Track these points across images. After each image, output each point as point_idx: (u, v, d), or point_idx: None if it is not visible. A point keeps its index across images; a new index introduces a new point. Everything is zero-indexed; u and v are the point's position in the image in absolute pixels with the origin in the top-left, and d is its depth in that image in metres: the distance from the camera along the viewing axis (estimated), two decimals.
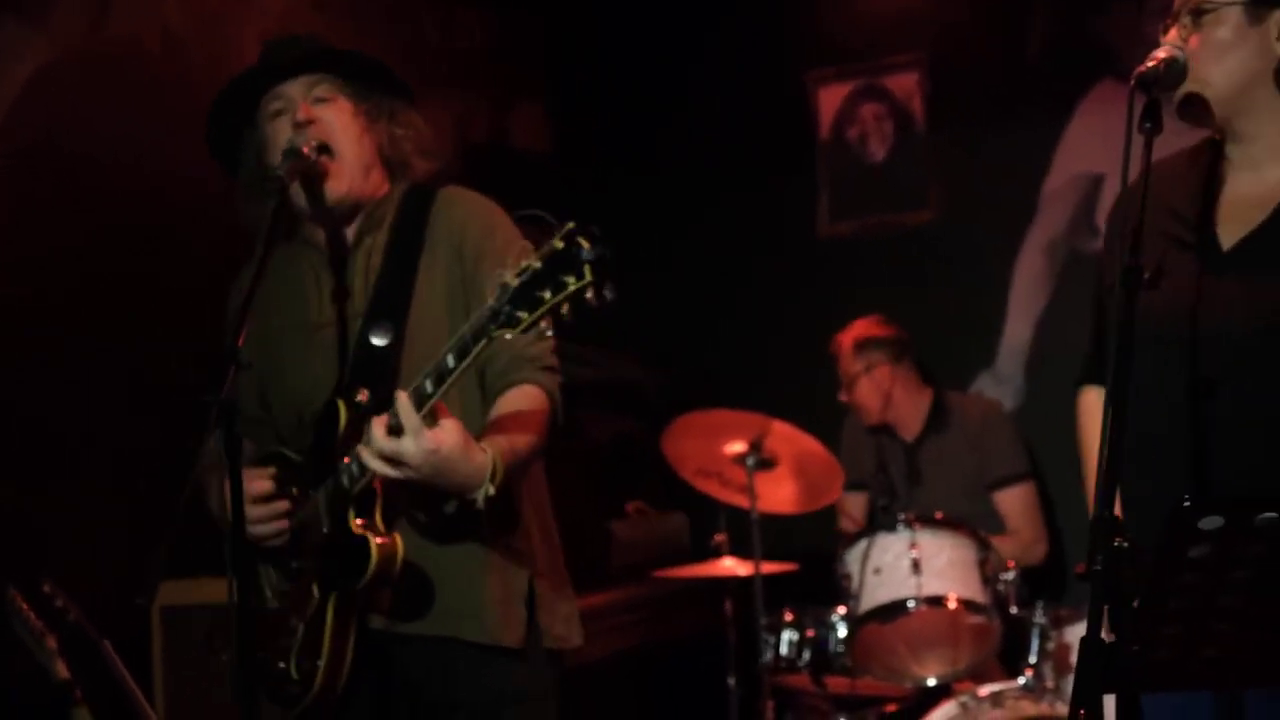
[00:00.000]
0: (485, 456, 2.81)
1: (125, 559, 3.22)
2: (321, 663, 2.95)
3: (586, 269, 2.53)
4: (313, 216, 3.11)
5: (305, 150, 2.99)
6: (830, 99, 6.58)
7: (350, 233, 3.15)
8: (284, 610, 3.06)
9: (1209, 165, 2.69)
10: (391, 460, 2.75)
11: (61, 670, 3.86)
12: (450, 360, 2.71)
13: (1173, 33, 2.61)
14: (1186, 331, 2.57)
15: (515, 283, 2.57)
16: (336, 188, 3.06)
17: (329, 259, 3.15)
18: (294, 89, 3.07)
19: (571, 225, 2.55)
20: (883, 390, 5.59)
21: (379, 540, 2.88)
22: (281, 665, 3.01)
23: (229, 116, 3.16)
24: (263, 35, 5.30)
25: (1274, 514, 1.98)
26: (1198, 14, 2.58)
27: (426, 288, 3.05)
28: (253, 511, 2.99)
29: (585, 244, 2.53)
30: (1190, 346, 2.56)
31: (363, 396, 2.87)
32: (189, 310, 4.14)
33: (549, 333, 2.96)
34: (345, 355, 3.06)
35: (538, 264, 2.55)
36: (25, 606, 3.88)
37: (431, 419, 2.75)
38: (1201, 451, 2.54)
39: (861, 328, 5.65)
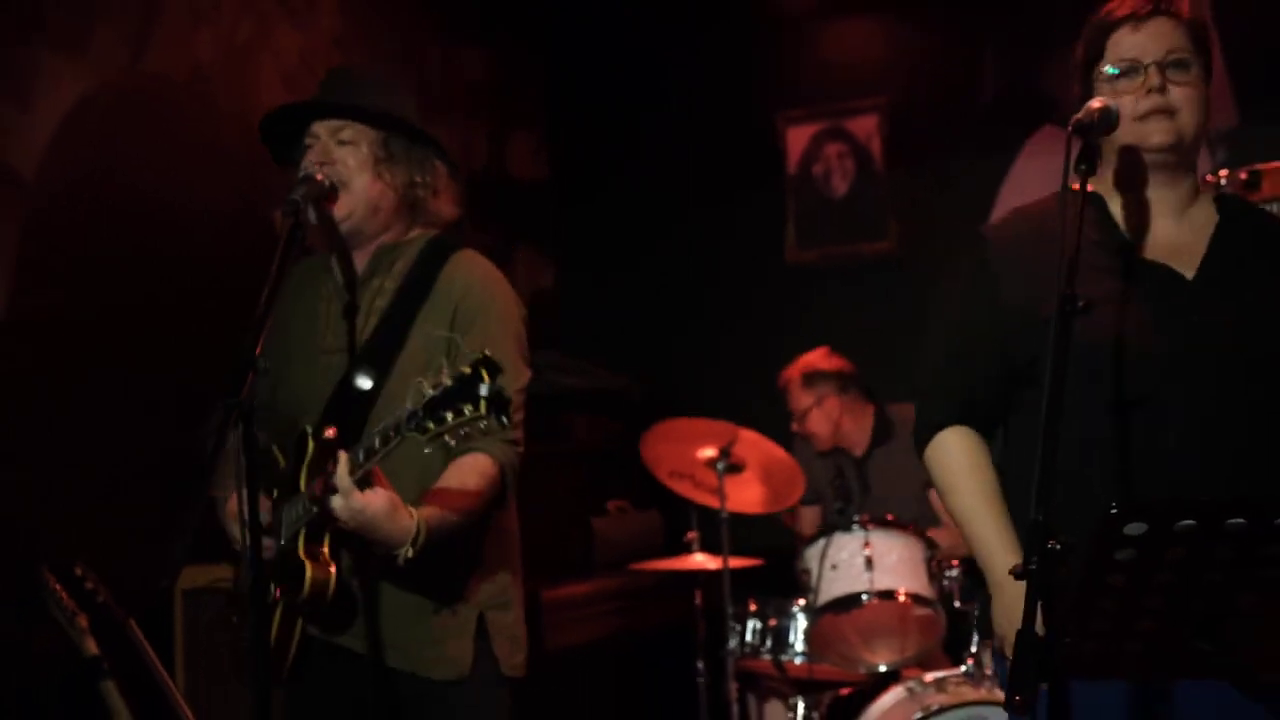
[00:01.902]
0: (411, 523, 2.84)
1: (150, 546, 3.20)
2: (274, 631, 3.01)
3: (482, 404, 2.60)
4: (324, 240, 3.09)
5: (319, 177, 2.99)
6: (798, 138, 6.59)
7: (361, 267, 3.13)
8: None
9: (1095, 209, 2.68)
10: (331, 507, 2.80)
11: (91, 647, 3.84)
12: (376, 441, 2.76)
13: (1151, 76, 2.57)
14: (1162, 354, 2.55)
15: (429, 395, 2.63)
16: (340, 212, 3.05)
17: (341, 289, 3.13)
18: (323, 128, 3.08)
19: (483, 355, 2.62)
20: (832, 419, 5.57)
21: (315, 567, 2.90)
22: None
23: (282, 128, 3.16)
24: (284, 71, 5.31)
25: (1192, 521, 1.98)
26: (1183, 65, 2.58)
27: (418, 340, 3.03)
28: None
29: (486, 379, 2.59)
30: (1166, 369, 2.54)
31: (330, 433, 2.84)
32: (211, 322, 4.13)
33: (518, 396, 3.00)
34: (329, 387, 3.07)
35: (449, 383, 2.62)
36: (59, 588, 3.87)
37: (366, 483, 2.79)
38: (1157, 475, 2.52)
39: (809, 361, 5.60)
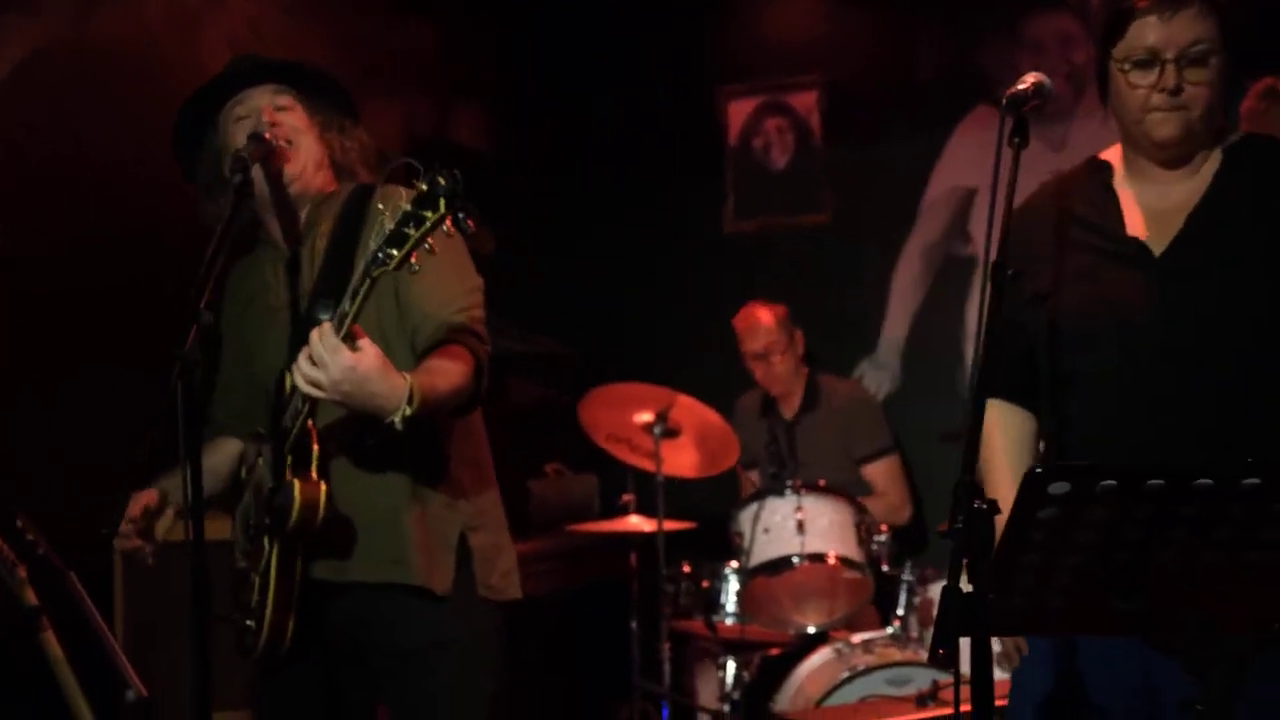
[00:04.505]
0: (403, 381, 2.73)
1: (92, 499, 3.17)
2: (268, 608, 2.91)
3: (441, 202, 2.48)
4: (271, 197, 3.07)
5: (267, 135, 2.98)
6: (738, 112, 6.60)
7: (301, 224, 3.12)
8: (247, 568, 3.02)
9: (1100, 183, 2.69)
10: (314, 382, 2.67)
11: (30, 598, 3.79)
12: (346, 304, 2.66)
13: (1167, 73, 2.52)
14: (1129, 331, 2.55)
15: (390, 226, 2.54)
16: (291, 172, 3.04)
17: (282, 250, 3.12)
18: (258, 98, 3.06)
19: (434, 168, 2.52)
20: (797, 357, 5.62)
21: (302, 483, 2.82)
22: (244, 618, 2.98)
23: (193, 120, 3.13)
24: (233, 37, 5.24)
25: (1113, 481, 2.00)
26: (1202, 59, 2.52)
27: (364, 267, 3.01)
28: (124, 528, 3.04)
29: (442, 181, 2.49)
30: (1133, 344, 2.55)
31: None
32: (156, 284, 4.08)
33: (474, 296, 2.97)
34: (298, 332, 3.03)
35: (407, 206, 2.52)
36: None
37: (351, 343, 2.67)
38: (1141, 435, 2.53)
39: (773, 306, 5.64)
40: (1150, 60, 2.52)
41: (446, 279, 2.93)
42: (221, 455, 3.22)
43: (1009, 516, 2.05)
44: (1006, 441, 2.75)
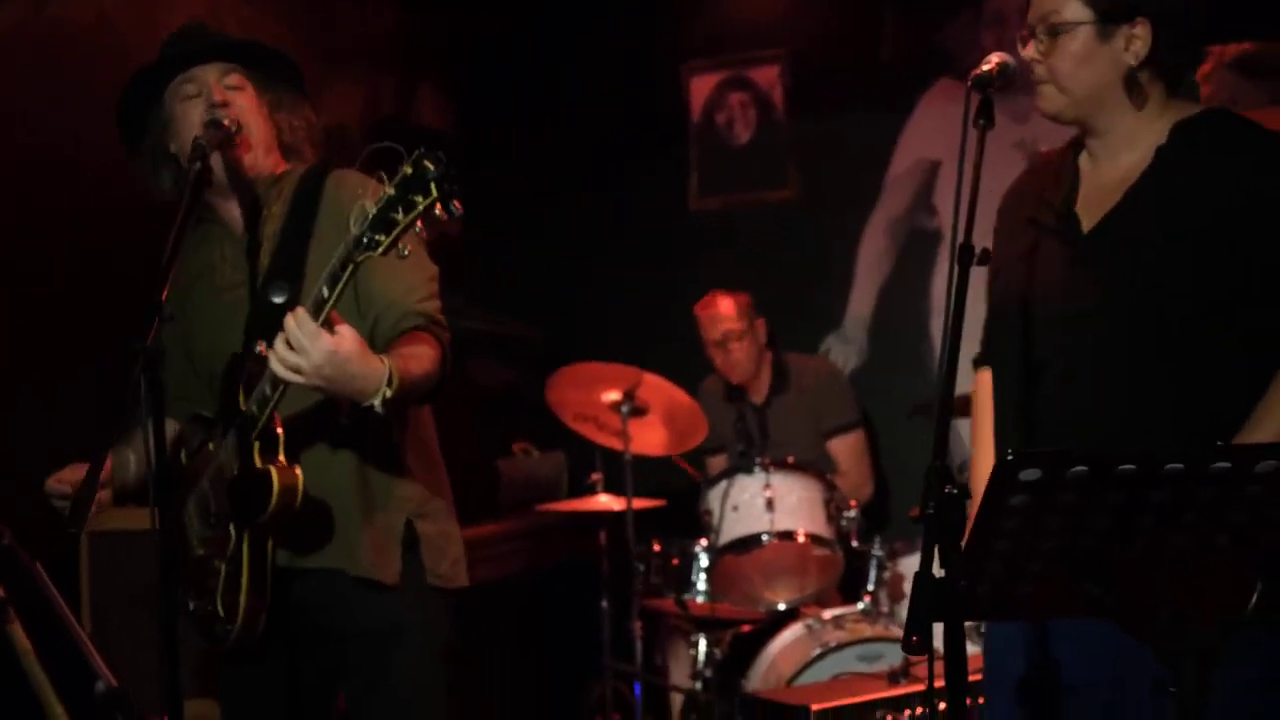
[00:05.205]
0: (382, 363, 2.71)
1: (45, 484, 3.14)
2: (243, 596, 2.88)
3: (432, 186, 2.45)
4: (227, 183, 3.04)
5: (225, 122, 2.95)
6: (701, 87, 6.57)
7: (250, 206, 3.09)
8: (208, 556, 2.99)
9: (1072, 159, 2.70)
10: (294, 367, 2.64)
11: None
12: (324, 290, 2.63)
13: (1030, 46, 2.59)
14: (1053, 308, 2.57)
15: (374, 210, 2.50)
16: (247, 159, 3.01)
17: (232, 232, 3.09)
18: (208, 75, 3.01)
19: (419, 151, 2.47)
20: (758, 345, 5.61)
21: (280, 472, 2.80)
22: (210, 607, 2.95)
23: (138, 96, 3.08)
24: (192, 19, 5.17)
25: (1084, 468, 2.00)
26: (1053, 31, 2.57)
27: (318, 253, 2.95)
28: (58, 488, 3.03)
29: (431, 165, 2.45)
30: (1055, 322, 2.56)
31: (261, 348, 2.77)
32: (112, 267, 4.05)
33: (433, 284, 2.95)
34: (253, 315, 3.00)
35: (392, 190, 2.48)
36: None
37: (329, 328, 2.65)
38: (1060, 415, 2.56)
39: (733, 296, 5.62)
40: (1030, 33, 2.59)
41: (408, 266, 2.90)
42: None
43: (980, 503, 2.05)
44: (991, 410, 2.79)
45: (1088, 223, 2.60)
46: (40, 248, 4.51)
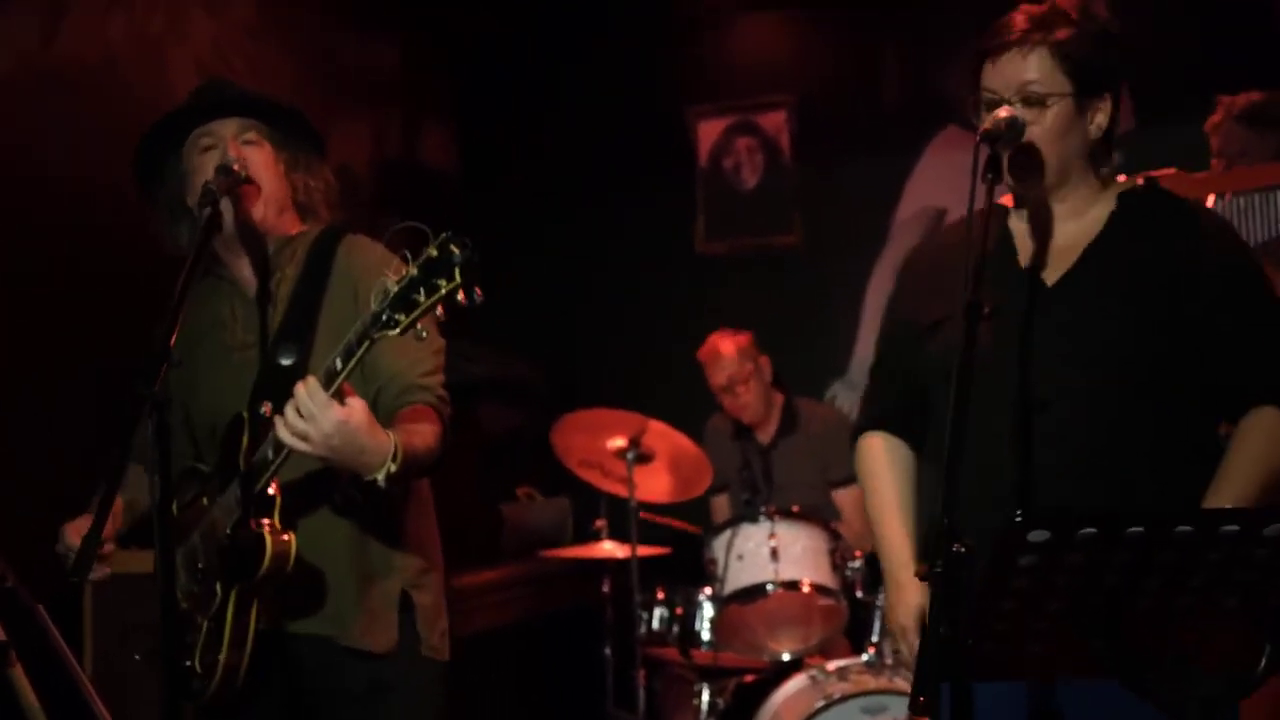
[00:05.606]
0: (388, 438, 2.72)
1: (60, 531, 3.13)
2: (222, 656, 2.87)
3: (457, 272, 2.44)
4: (237, 236, 3.04)
5: (235, 167, 2.95)
6: (709, 132, 6.60)
7: (262, 265, 3.09)
8: (190, 610, 2.97)
9: (1002, 223, 2.71)
10: (302, 435, 2.64)
11: None
12: (338, 363, 2.63)
13: (1005, 110, 2.57)
14: (1015, 362, 2.58)
15: (395, 289, 2.50)
16: (256, 212, 3.01)
17: (242, 290, 3.09)
18: (225, 129, 3.02)
19: (445, 234, 2.47)
20: (765, 384, 5.60)
21: (274, 537, 2.79)
22: (188, 663, 2.93)
23: (156, 145, 3.10)
24: (198, 59, 5.21)
25: (1092, 529, 2.00)
26: (1031, 101, 2.58)
27: (328, 318, 2.97)
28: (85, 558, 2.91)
29: (456, 250, 2.44)
30: (1018, 376, 2.57)
31: (266, 409, 2.77)
32: (120, 312, 4.04)
33: (439, 359, 2.96)
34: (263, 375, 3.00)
35: (415, 271, 2.48)
36: None
37: (339, 399, 2.65)
38: (1025, 471, 2.56)
39: (736, 335, 5.63)
40: (995, 102, 2.60)
41: (414, 340, 2.91)
42: (146, 486, 3.13)
43: (988, 563, 2.05)
44: None
45: (1050, 277, 2.63)
46: (40, 248, 4.52)
